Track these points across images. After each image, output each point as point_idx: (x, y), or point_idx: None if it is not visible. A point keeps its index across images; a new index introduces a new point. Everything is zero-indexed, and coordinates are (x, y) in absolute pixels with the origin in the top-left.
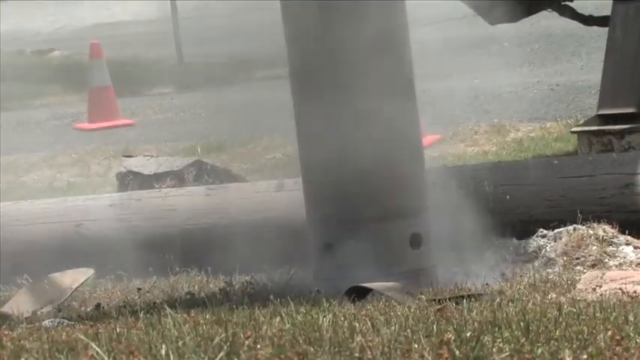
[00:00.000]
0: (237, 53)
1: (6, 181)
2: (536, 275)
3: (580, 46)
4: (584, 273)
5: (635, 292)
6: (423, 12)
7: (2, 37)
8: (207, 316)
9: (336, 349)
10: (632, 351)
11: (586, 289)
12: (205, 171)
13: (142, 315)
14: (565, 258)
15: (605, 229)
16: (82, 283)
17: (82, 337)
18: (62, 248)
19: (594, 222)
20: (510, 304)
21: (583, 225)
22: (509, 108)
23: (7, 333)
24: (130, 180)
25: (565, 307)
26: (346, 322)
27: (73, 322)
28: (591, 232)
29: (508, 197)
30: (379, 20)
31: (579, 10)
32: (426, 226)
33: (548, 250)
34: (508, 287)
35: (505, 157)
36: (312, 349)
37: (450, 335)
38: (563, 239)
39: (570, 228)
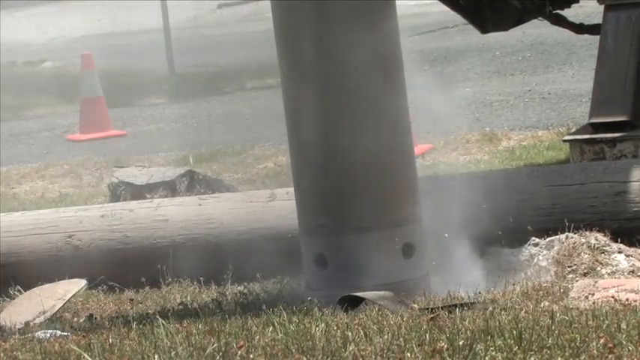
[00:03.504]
0: (229, 63)
1: None
2: (529, 283)
3: (571, 54)
4: (577, 281)
5: (627, 299)
6: (416, 21)
7: None
8: (200, 326)
9: (329, 358)
10: (625, 359)
11: (579, 298)
12: (197, 181)
13: (134, 325)
14: (557, 266)
15: (597, 238)
16: (75, 294)
17: (75, 347)
18: (54, 259)
19: (586, 230)
20: (503, 312)
21: (575, 233)
22: (501, 116)
23: None
24: (121, 190)
25: (558, 315)
26: (339, 331)
27: (65, 333)
28: (583, 240)
29: (500, 206)
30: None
31: (570, 19)
32: (418, 235)
33: (540, 258)
34: (501, 296)
35: (497, 165)
36: (304, 358)
37: (443, 344)
38: (555, 247)
39: (562, 236)
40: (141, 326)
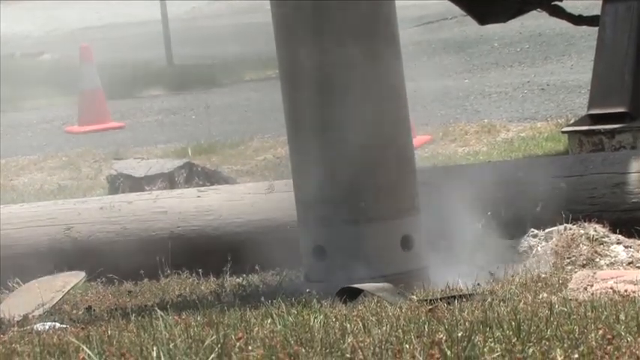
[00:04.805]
0: (227, 55)
1: None
2: (528, 275)
3: (570, 45)
4: (576, 272)
5: (626, 291)
6: (414, 13)
7: None
8: (199, 318)
9: (328, 350)
10: (623, 350)
11: (577, 289)
12: (196, 173)
13: (133, 317)
14: (556, 257)
15: (596, 229)
16: (74, 286)
17: (74, 339)
18: (53, 251)
19: (585, 221)
20: (502, 303)
21: (574, 224)
22: (500, 108)
23: None
24: (120, 182)
25: (556, 306)
26: (337, 322)
27: (64, 325)
28: (582, 231)
29: (499, 197)
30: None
31: (569, 10)
32: (416, 227)
33: (539, 249)
34: (499, 287)
35: (496, 157)
36: (303, 350)
37: (442, 335)
38: (554, 239)
39: (561, 227)
40: (139, 318)
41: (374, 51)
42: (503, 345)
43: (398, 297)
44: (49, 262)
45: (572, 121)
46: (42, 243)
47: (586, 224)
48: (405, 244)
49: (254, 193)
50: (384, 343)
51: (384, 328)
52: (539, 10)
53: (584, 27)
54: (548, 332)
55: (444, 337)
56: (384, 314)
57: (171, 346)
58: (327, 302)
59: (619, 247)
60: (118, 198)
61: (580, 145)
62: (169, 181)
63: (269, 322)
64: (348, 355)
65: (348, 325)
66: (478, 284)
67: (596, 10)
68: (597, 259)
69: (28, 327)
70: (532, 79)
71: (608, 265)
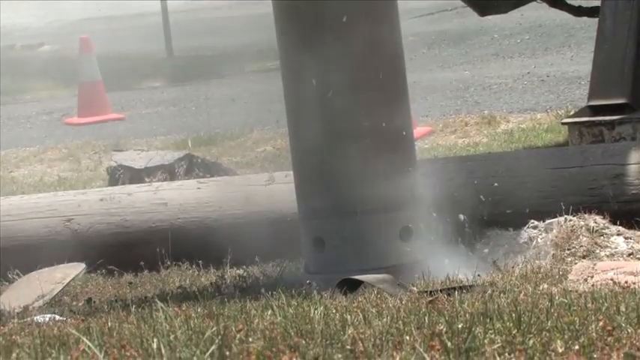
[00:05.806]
0: (227, 46)
1: None
2: (528, 266)
3: (570, 36)
4: (576, 264)
5: (626, 282)
6: (414, 4)
7: None
8: (199, 310)
9: (328, 342)
10: (624, 341)
11: (577, 280)
12: (196, 165)
13: (133, 309)
14: (556, 249)
15: (596, 220)
16: (74, 277)
17: (74, 331)
18: (52, 243)
19: (585, 213)
20: (502, 295)
21: (574, 216)
22: (500, 99)
23: None
24: (120, 174)
25: (556, 297)
26: (338, 314)
27: (64, 317)
28: (582, 222)
29: (499, 188)
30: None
31: (569, 1)
32: (416, 218)
33: (539, 241)
34: (499, 278)
35: (496, 148)
36: (303, 341)
37: (442, 327)
38: (554, 230)
39: (561, 219)
40: (140, 310)
41: (376, 44)
42: (504, 336)
43: (398, 288)
44: (48, 253)
45: (572, 113)
46: (42, 235)
47: (586, 215)
48: (404, 236)
49: (254, 185)
50: (384, 334)
51: (385, 319)
52: (539, 1)
53: (584, 18)
54: (549, 323)
55: (445, 329)
56: (384, 306)
57: (171, 337)
58: (327, 294)
59: (619, 239)
60: (118, 190)
61: (580, 136)
62: (169, 172)
63: (269, 313)
64: (348, 347)
65: (349, 317)
66: (478, 275)
67: (596, 2)
68: (597, 251)
69: (28, 319)
70: (532, 70)
71: (608, 256)
